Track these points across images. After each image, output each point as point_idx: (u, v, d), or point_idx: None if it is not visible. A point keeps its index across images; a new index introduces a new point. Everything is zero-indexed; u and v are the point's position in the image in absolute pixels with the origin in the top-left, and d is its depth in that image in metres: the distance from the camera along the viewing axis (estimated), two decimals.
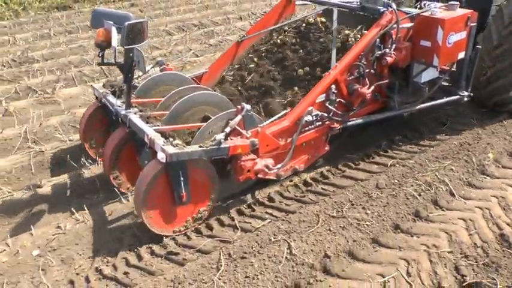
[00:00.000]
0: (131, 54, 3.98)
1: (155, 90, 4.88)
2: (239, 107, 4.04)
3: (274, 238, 3.84)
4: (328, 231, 3.94)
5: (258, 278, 3.46)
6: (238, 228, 4.08)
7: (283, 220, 4.09)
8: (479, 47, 5.18)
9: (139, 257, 3.79)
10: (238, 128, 3.98)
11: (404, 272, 3.52)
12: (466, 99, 5.37)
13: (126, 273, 3.62)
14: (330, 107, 4.58)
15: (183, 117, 4.32)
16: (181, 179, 3.77)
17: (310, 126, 4.54)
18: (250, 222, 4.16)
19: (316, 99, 4.48)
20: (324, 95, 4.54)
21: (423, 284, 3.44)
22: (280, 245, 3.77)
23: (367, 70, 4.73)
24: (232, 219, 4.21)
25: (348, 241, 3.83)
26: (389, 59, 4.73)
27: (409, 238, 3.90)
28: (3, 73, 7.95)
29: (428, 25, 4.77)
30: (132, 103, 4.38)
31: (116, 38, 3.88)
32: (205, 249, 3.81)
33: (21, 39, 9.83)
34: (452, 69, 5.22)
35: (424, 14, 4.83)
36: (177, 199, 3.85)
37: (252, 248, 3.74)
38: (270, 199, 4.50)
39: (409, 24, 4.90)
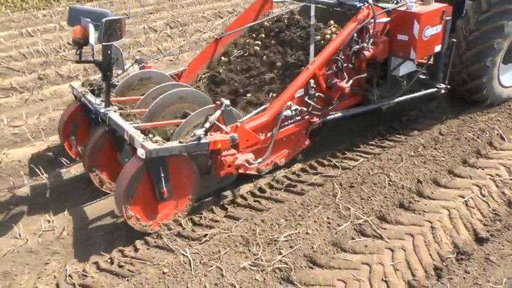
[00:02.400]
0: (109, 52, 3.96)
1: (134, 89, 4.86)
2: (218, 102, 4.05)
3: (372, 172, 4.66)
4: (414, 165, 4.80)
5: (371, 199, 4.28)
6: (338, 167, 4.87)
7: (375, 159, 4.91)
8: (455, 40, 5.26)
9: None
10: (217, 123, 3.99)
11: (478, 194, 4.39)
12: (443, 91, 5.45)
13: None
14: (309, 101, 4.62)
15: (162, 114, 4.32)
16: (162, 175, 3.77)
17: (289, 121, 4.57)
18: (346, 162, 4.96)
19: (295, 94, 4.51)
20: (303, 89, 4.57)
21: (496, 200, 4.31)
22: (379, 175, 4.59)
23: (345, 64, 4.78)
24: (330, 160, 5.01)
25: (431, 171, 4.70)
26: (367, 53, 4.78)
27: (476, 170, 4.77)
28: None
29: (404, 19, 4.83)
30: (111, 102, 4.36)
31: (93, 35, 3.86)
32: (317, 183, 4.61)
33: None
34: (430, 62, 5.28)
35: (400, 8, 4.90)
36: (158, 195, 3.85)
37: (356, 179, 4.56)
38: (355, 145, 5.31)
39: (386, 19, 4.96)
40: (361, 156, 5.07)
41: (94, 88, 4.65)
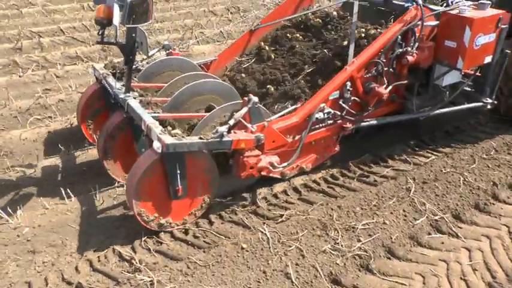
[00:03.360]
0: (133, 35, 3.71)
1: (159, 76, 4.61)
2: (246, 98, 3.75)
3: (444, 170, 4.59)
4: (487, 167, 4.68)
5: (446, 197, 4.22)
6: (410, 162, 4.79)
7: (447, 157, 4.82)
8: (508, 51, 4.83)
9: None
10: (243, 120, 3.69)
11: None
12: (489, 106, 5.04)
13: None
14: (344, 105, 4.29)
15: (185, 105, 4.05)
16: (178, 171, 3.48)
17: (320, 124, 4.24)
18: (417, 158, 4.88)
19: (329, 96, 4.18)
20: (338, 92, 4.24)
21: None
22: (453, 174, 4.51)
23: (385, 69, 4.42)
24: (401, 155, 4.93)
25: (506, 176, 4.56)
26: (410, 58, 4.42)
27: None
28: None
29: (455, 24, 4.43)
30: (132, 87, 4.11)
31: (117, 15, 3.59)
32: (390, 175, 4.56)
33: None
34: (477, 74, 4.88)
35: (452, 12, 4.49)
36: (172, 193, 3.57)
37: (429, 176, 4.50)
38: (425, 143, 5.22)
39: (434, 23, 4.56)
40: (431, 153, 5.00)
41: (116, 71, 4.40)
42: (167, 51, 4.88)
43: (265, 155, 3.88)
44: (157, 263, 3.40)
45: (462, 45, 4.41)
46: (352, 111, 4.38)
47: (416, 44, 4.45)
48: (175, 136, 3.45)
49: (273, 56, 5.12)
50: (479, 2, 4.53)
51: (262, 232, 3.67)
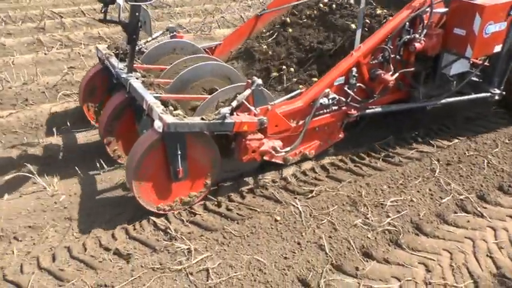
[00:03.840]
0: (137, 14, 3.65)
1: (162, 58, 4.55)
2: (249, 80, 3.69)
3: (468, 153, 4.70)
4: (511, 151, 4.75)
5: (470, 178, 4.32)
6: (433, 145, 4.87)
7: (469, 141, 4.93)
8: None
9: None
10: (246, 103, 3.63)
11: None
12: (497, 97, 4.95)
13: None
14: (349, 91, 4.22)
15: (188, 87, 4.00)
16: (179, 152, 3.43)
17: (325, 110, 4.18)
18: (440, 141, 4.96)
19: (334, 81, 4.12)
20: (343, 77, 4.18)
21: None
22: (477, 157, 4.61)
23: (392, 55, 4.34)
24: (424, 137, 5.02)
25: None
26: (418, 45, 4.33)
27: None
28: None
29: (464, 11, 4.33)
30: (135, 68, 4.06)
31: None
32: (414, 157, 4.65)
33: None
34: (485, 63, 4.79)
35: None
36: (172, 174, 3.52)
37: (453, 158, 4.60)
38: (447, 127, 5.28)
39: (444, 10, 4.47)
40: (454, 138, 5.05)
41: (119, 52, 4.35)
42: (171, 34, 4.83)
43: (268, 139, 3.83)
44: (192, 233, 3.50)
45: (471, 33, 4.32)
46: (357, 97, 4.31)
47: (425, 31, 4.36)
48: (177, 116, 3.39)
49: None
50: None
51: (294, 206, 3.81)
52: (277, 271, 3.19)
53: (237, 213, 3.73)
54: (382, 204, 3.90)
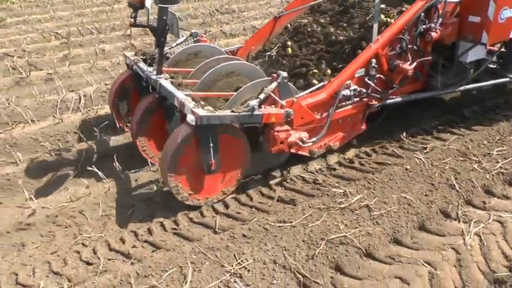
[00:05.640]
0: (164, 17, 3.83)
1: (187, 62, 4.72)
2: (275, 74, 3.85)
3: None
4: None
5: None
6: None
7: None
8: None
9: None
10: (273, 95, 3.78)
11: None
12: None
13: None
14: (369, 82, 4.35)
15: (215, 86, 4.16)
16: (211, 145, 3.59)
17: (347, 102, 4.31)
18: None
19: (354, 73, 4.26)
20: (363, 69, 4.31)
21: None
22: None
23: (409, 46, 4.48)
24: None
25: None
26: (434, 35, 4.47)
27: None
28: None
29: None
30: (163, 71, 4.24)
31: None
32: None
33: None
34: (502, 49, 4.89)
35: None
36: (205, 167, 3.68)
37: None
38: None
39: None
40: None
41: (147, 57, 4.54)
42: (195, 39, 5.01)
43: (295, 131, 3.97)
44: (339, 182, 4.18)
45: (486, 19, 4.44)
46: (377, 88, 4.44)
47: (440, 20, 4.49)
48: (208, 110, 3.56)
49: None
50: None
51: (417, 158, 4.42)
52: (423, 205, 3.79)
53: (370, 166, 4.43)
54: (489, 153, 4.50)
